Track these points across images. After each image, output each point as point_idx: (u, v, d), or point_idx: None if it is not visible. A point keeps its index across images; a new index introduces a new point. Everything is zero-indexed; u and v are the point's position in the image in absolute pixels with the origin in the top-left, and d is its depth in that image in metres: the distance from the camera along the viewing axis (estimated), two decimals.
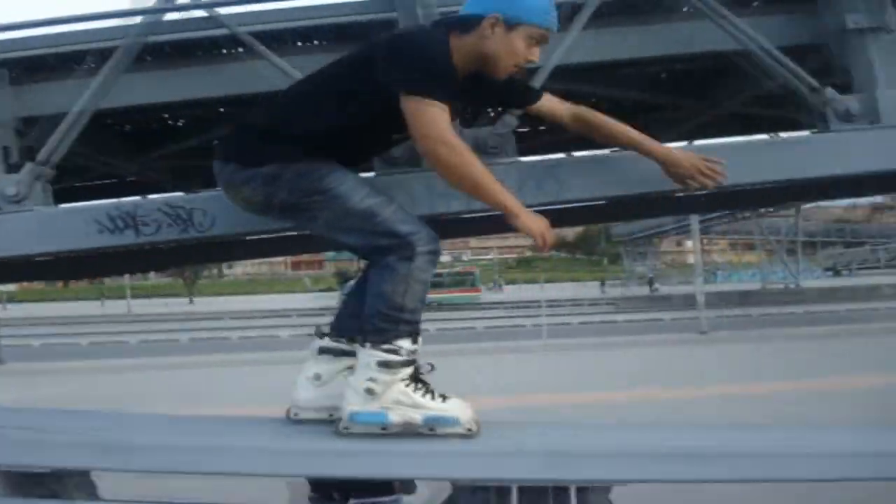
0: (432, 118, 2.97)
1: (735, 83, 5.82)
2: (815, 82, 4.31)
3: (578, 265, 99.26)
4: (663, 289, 56.92)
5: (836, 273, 67.83)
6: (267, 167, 3.15)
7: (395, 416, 3.21)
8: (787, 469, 3.41)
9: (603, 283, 68.33)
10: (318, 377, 3.42)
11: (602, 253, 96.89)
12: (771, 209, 46.64)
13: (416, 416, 3.22)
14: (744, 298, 46.97)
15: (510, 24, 3.17)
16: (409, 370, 3.24)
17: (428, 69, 3.02)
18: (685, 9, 4.60)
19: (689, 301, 34.15)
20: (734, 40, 4.40)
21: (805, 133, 4.66)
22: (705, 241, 65.38)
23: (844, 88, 4.44)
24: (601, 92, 5.85)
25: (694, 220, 35.36)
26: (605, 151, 4.28)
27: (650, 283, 63.91)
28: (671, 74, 6.27)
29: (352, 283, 3.70)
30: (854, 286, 52.72)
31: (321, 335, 3.46)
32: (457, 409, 3.29)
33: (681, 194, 4.33)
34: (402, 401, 3.21)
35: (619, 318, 39.01)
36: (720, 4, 4.39)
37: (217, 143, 3.53)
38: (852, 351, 24.52)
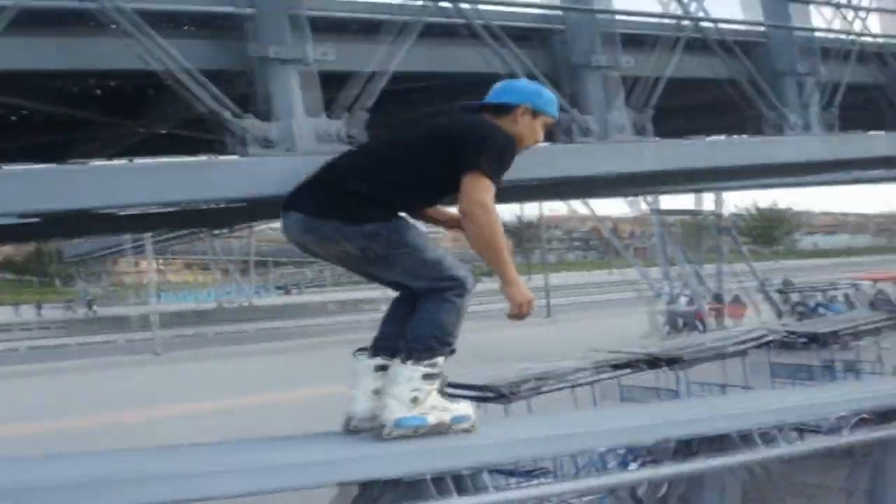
0: (488, 191, 3.70)
1: (167, 104, 5.82)
2: (236, 108, 4.45)
3: (28, 287, 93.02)
4: (117, 310, 55.34)
5: (287, 291, 71.06)
6: (370, 225, 3.76)
7: (432, 419, 3.89)
8: (238, 484, 3.51)
9: (39, 306, 64.35)
10: (377, 392, 3.96)
11: (55, 274, 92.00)
12: (226, 230, 47.64)
13: (447, 417, 3.94)
14: (199, 317, 47.36)
15: (535, 114, 4.08)
16: (439, 380, 3.93)
17: (505, 164, 3.84)
18: (113, 25, 4.50)
19: (143, 322, 33.57)
20: (157, 61, 4.39)
21: (233, 157, 4.78)
22: (161, 261, 65.01)
23: (267, 116, 4.65)
24: (17, 103, 5.53)
25: (148, 241, 34.91)
26: (38, 166, 4.07)
27: (89, 304, 61.77)
28: (106, 91, 6.12)
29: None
30: (304, 303, 55.68)
31: (372, 354, 4.04)
32: (468, 409, 4.11)
33: (128, 212, 4.29)
34: (436, 405, 3.91)
35: (70, 341, 37.22)
36: (145, 23, 4.35)
37: (299, 201, 3.90)
38: (303, 364, 25.84)
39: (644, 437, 4.80)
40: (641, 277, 35.26)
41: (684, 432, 4.69)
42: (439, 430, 3.94)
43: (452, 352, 3.97)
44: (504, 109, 4.05)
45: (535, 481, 9.83)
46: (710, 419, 4.74)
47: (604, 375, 11.96)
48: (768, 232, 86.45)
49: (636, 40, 6.28)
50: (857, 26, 7.73)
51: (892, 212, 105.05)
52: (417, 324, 3.90)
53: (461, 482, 3.87)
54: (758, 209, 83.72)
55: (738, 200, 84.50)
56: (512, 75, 5.48)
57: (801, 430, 13.30)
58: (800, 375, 15.19)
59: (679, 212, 34.88)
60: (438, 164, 3.84)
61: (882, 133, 8.30)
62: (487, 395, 11.23)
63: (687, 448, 4.81)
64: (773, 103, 6.89)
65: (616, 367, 12.16)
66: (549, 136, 5.87)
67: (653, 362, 12.43)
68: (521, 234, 77.41)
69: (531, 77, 5.50)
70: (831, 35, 7.80)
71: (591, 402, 11.70)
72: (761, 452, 4.82)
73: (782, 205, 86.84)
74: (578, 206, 33.11)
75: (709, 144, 6.18)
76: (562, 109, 5.62)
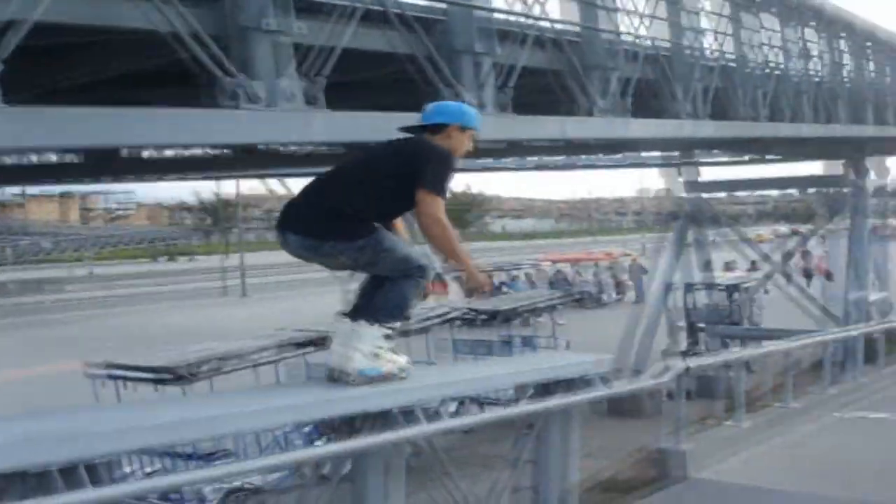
0: (440, 207, 4.51)
1: None
2: None
3: None
4: None
5: None
6: (359, 241, 4.56)
7: (385, 370, 4.69)
8: None
9: None
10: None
11: None
12: None
13: (395, 368, 4.75)
14: None
15: (463, 129, 4.81)
16: (393, 341, 4.78)
17: (448, 178, 4.65)
18: None
19: None
20: None
21: None
22: None
23: None
24: None
25: None
26: None
27: None
28: None
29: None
30: None
31: (351, 319, 4.74)
32: (406, 361, 4.89)
33: None
34: (391, 359, 4.72)
35: None
36: None
37: (297, 222, 4.63)
38: None
39: (305, 416, 4.71)
40: None
41: (347, 410, 4.63)
42: (389, 378, 4.75)
43: (407, 318, 4.98)
44: (438, 129, 4.79)
45: (216, 462, 9.56)
46: (370, 396, 4.68)
47: (287, 354, 11.86)
48: (460, 215, 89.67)
49: (312, 7, 6.08)
50: (537, 11, 7.92)
51: (574, 198, 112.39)
52: (386, 296, 4.72)
53: (95, 472, 3.53)
54: (451, 192, 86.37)
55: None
56: (176, 35, 5.13)
57: (482, 402, 13.84)
58: (480, 350, 15.83)
59: None
60: (404, 181, 4.55)
61: (555, 117, 8.58)
62: (165, 376, 10.78)
63: (350, 425, 4.74)
64: (450, 81, 6.93)
65: (299, 345, 12.08)
66: (214, 101, 5.60)
67: None
68: (218, 212, 75.93)
69: (196, 38, 5.18)
70: (512, 17, 7.97)
71: (275, 381, 11.56)
72: (423, 427, 4.82)
73: (475, 189, 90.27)
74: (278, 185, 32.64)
75: (382, 118, 6.08)
76: (228, 74, 5.34)
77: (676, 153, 21.47)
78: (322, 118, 5.67)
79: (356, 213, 4.57)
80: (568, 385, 6.02)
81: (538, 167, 27.14)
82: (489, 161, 25.33)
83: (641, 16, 9.56)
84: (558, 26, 8.42)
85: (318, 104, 5.66)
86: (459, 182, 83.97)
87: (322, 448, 4.87)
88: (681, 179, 21.75)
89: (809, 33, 15.27)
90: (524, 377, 6.03)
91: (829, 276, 25.37)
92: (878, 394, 11.93)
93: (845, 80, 16.88)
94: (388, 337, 4.72)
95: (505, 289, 30.50)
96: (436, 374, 5.76)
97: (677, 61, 10.42)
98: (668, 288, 20.82)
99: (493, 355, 15.28)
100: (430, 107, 4.97)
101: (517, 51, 7.73)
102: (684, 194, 21.60)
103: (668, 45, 10.46)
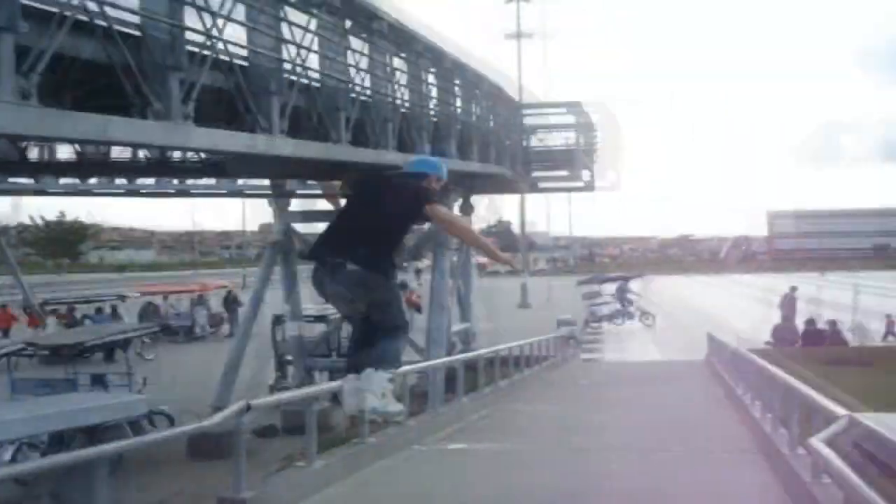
0: (447, 210, 6.28)
1: None
2: None
3: None
4: None
5: None
6: (391, 281, 5.72)
7: (389, 409, 5.57)
8: None
9: None
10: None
11: None
12: None
13: (395, 410, 5.72)
14: None
15: (438, 178, 5.96)
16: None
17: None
18: None
19: None
20: None
21: None
22: None
23: None
24: None
25: None
26: None
27: None
28: None
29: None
30: None
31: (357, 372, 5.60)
32: (401, 405, 6.13)
33: None
34: (391, 399, 5.57)
35: None
36: None
37: (357, 256, 5.36)
38: None
39: None
40: None
41: None
42: (391, 418, 6.23)
43: (399, 366, 5.97)
44: (419, 175, 5.86)
45: None
46: None
47: None
48: (56, 244, 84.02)
49: None
50: None
51: (177, 229, 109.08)
52: (383, 349, 5.48)
53: None
54: (45, 221, 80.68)
55: (36, 210, 79.73)
56: None
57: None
58: (43, 390, 14.07)
59: None
60: (407, 219, 5.72)
61: (96, 115, 7.33)
62: None
63: None
64: None
65: None
66: None
67: None
68: None
69: None
70: None
71: None
72: None
73: (72, 217, 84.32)
74: None
75: None
76: None
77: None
78: None
79: (389, 255, 5.54)
80: (90, 433, 4.96)
81: (129, 192, 25.17)
82: (75, 183, 23.16)
83: (214, 15, 8.67)
84: (109, 12, 7.30)
85: None
86: (55, 209, 78.41)
87: None
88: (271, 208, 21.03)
89: (400, 63, 15.21)
90: (31, 426, 4.90)
91: (418, 308, 25.85)
92: (457, 423, 11.87)
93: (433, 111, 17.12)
94: (391, 380, 5.50)
95: (88, 322, 28.33)
96: None
97: (253, 72, 9.66)
98: (255, 320, 19.90)
99: (58, 393, 13.60)
100: (414, 159, 6.84)
101: (54, 34, 6.55)
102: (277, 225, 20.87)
103: (244, 52, 9.70)
